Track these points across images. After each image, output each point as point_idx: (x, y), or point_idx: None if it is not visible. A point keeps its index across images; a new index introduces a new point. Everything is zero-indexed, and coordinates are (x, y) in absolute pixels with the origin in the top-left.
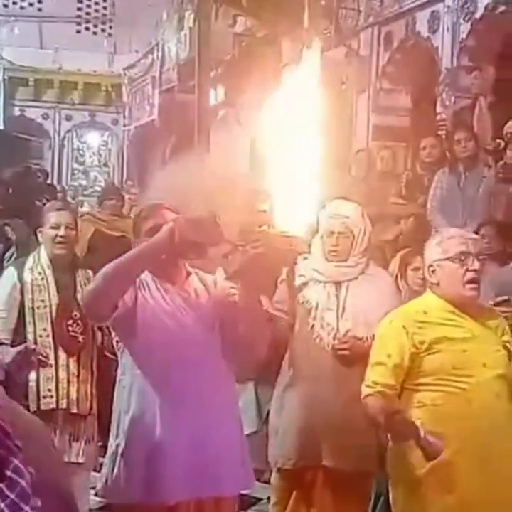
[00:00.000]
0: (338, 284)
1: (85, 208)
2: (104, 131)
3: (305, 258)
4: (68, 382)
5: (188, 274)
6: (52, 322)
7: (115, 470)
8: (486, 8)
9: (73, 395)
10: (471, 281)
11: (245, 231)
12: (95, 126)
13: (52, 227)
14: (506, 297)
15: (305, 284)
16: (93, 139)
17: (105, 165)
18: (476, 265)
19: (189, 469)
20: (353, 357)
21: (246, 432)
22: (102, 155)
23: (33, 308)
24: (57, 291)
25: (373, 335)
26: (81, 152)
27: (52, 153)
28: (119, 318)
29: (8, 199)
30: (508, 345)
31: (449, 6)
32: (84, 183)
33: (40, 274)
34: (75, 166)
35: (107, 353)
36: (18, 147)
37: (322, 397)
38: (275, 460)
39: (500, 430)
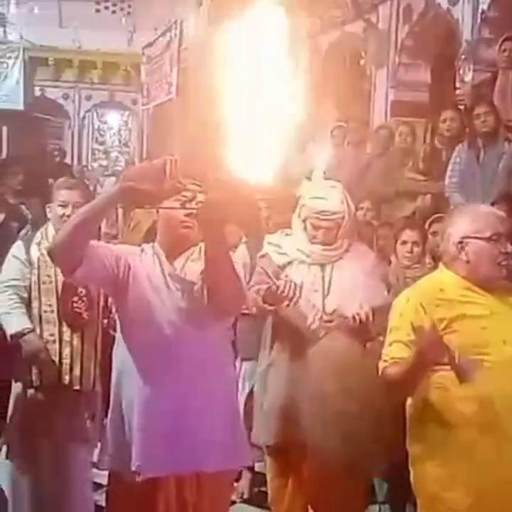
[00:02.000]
0: (323, 265)
1: (106, 188)
2: (124, 111)
3: (287, 234)
4: (71, 358)
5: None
6: (57, 298)
7: (103, 440)
8: None
9: (77, 371)
10: (504, 262)
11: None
12: (115, 105)
13: (60, 205)
14: None
15: (289, 262)
16: (113, 118)
17: (126, 145)
18: (509, 247)
19: (167, 446)
20: (339, 335)
21: None
22: (122, 135)
23: (38, 284)
24: None
25: (360, 313)
26: (101, 132)
27: (72, 133)
28: (109, 286)
29: (26, 179)
30: None
31: None
32: (104, 163)
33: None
34: (96, 146)
35: (111, 331)
36: (38, 128)
37: (306, 375)
38: (258, 436)
39: None
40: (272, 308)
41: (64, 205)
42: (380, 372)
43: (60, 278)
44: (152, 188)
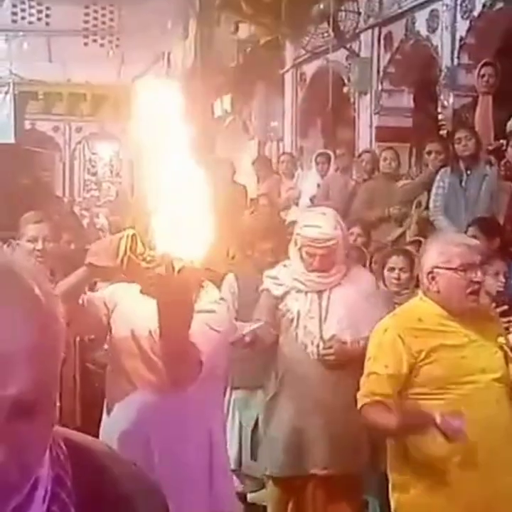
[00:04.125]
0: (320, 291)
1: (101, 219)
2: (115, 142)
3: (285, 266)
4: None
5: None
6: None
7: None
8: (484, 5)
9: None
10: (474, 292)
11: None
12: (105, 136)
13: (29, 240)
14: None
15: (287, 292)
16: (104, 149)
17: (117, 175)
18: (479, 277)
19: None
20: (339, 361)
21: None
22: (113, 165)
23: None
24: None
25: (361, 338)
26: (93, 163)
27: (63, 165)
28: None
29: (16, 212)
30: (504, 347)
31: (447, 5)
32: (96, 194)
33: None
34: (87, 177)
35: (88, 365)
36: (29, 160)
37: (309, 404)
38: (264, 467)
39: (502, 437)
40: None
41: (33, 240)
42: (358, 406)
43: None
44: (109, 263)
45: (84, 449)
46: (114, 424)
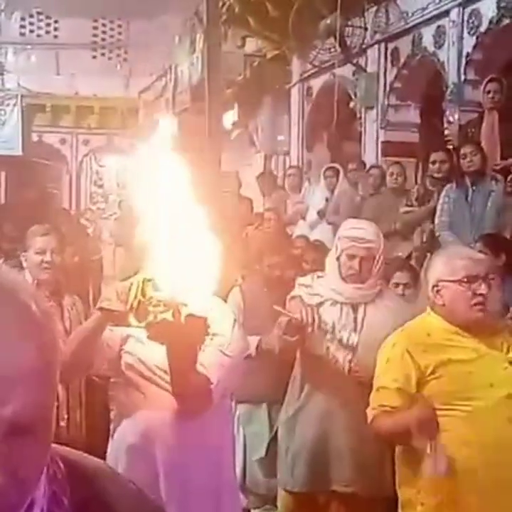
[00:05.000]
0: (355, 305)
1: (105, 234)
2: (122, 154)
3: (319, 276)
4: (57, 410)
5: None
6: None
7: None
8: (490, 21)
9: (62, 423)
10: (479, 304)
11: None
12: (112, 149)
13: (37, 253)
14: None
15: (321, 303)
16: (111, 162)
17: (124, 188)
18: (484, 289)
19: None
20: (369, 377)
21: (254, 458)
22: (120, 178)
23: None
24: None
25: None
26: (100, 176)
27: (69, 177)
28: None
29: (24, 224)
30: None
31: (454, 21)
32: (103, 206)
33: None
34: (94, 189)
35: (94, 377)
36: (36, 173)
37: (336, 419)
38: (285, 482)
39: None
40: (293, 339)
41: (41, 253)
42: (369, 421)
43: None
44: (120, 308)
45: (82, 468)
46: (122, 438)
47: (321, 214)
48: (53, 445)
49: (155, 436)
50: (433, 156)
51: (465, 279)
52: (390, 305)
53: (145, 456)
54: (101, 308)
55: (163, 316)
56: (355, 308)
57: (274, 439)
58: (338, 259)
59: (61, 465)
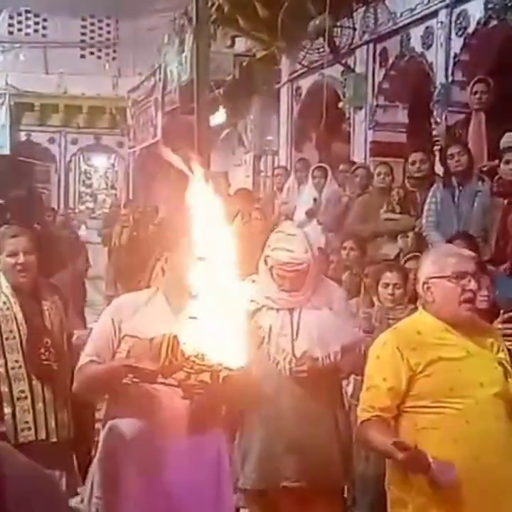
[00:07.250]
0: (291, 309)
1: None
2: (111, 154)
3: (253, 281)
4: (45, 412)
5: None
6: (23, 352)
7: None
8: (478, 22)
9: (52, 423)
10: (468, 301)
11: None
12: (101, 149)
13: (9, 255)
14: None
15: (258, 309)
16: (100, 161)
17: (113, 187)
18: (473, 285)
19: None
20: (311, 377)
21: None
22: (109, 177)
23: (1, 340)
24: (25, 320)
25: (331, 353)
26: (88, 175)
27: (58, 176)
28: None
29: (10, 223)
30: (503, 361)
31: (442, 22)
32: (91, 205)
33: (4, 303)
34: (83, 189)
35: None
36: (23, 171)
37: (280, 419)
38: (237, 479)
39: (501, 454)
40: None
41: (13, 255)
42: (358, 421)
43: (23, 332)
44: (151, 367)
45: None
46: (121, 431)
47: (310, 214)
48: None
49: (159, 430)
50: (412, 157)
51: (454, 276)
52: (327, 297)
53: (148, 448)
54: (128, 367)
55: (201, 378)
56: (291, 311)
57: None
58: (270, 268)
59: None
